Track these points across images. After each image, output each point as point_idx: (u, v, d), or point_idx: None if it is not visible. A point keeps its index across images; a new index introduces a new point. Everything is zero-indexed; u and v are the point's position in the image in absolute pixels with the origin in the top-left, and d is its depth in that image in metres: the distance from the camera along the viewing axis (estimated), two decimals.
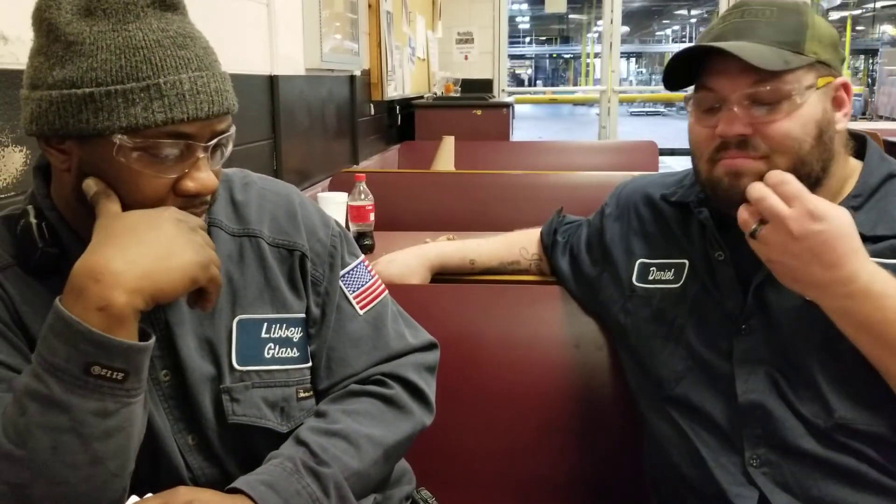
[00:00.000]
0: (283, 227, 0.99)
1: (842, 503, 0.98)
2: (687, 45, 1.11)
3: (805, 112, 0.98)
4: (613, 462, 1.33)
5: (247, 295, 0.95)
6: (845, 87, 1.03)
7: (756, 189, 0.92)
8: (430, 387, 1.03)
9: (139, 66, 0.77)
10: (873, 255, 0.95)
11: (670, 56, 1.04)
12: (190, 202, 0.83)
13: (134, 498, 0.81)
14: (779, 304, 1.04)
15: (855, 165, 1.08)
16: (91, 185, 0.81)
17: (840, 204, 0.98)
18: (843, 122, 1.03)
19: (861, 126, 5.21)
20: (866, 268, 0.91)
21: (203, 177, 0.83)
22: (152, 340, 0.78)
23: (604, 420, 1.33)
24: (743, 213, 0.94)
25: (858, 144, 1.10)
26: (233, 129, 0.87)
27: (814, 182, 1.00)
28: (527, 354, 1.37)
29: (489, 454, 1.34)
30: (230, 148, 0.88)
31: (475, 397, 1.35)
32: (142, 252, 0.76)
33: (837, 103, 1.02)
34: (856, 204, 1.02)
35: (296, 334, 0.97)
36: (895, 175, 1.05)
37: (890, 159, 1.08)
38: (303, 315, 0.98)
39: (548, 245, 1.42)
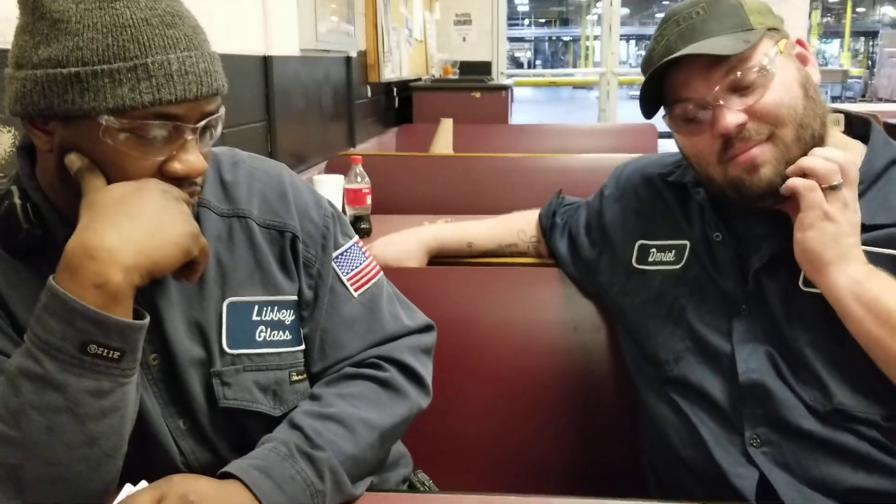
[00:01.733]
0: (274, 208, 0.97)
1: (842, 483, 0.97)
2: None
3: (783, 78, 0.99)
4: (611, 444, 1.32)
5: (236, 277, 0.93)
6: (800, 42, 1.05)
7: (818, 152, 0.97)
8: (426, 369, 1.02)
9: (126, 46, 0.76)
10: (868, 242, 0.97)
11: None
12: (178, 184, 0.82)
13: (128, 487, 0.80)
14: (777, 286, 1.03)
15: (853, 146, 1.07)
16: (74, 160, 0.79)
17: None
18: (816, 73, 1.05)
19: (861, 108, 5.19)
20: None
21: (191, 159, 0.81)
22: (147, 319, 0.78)
23: (601, 402, 1.33)
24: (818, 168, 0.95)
25: (862, 127, 1.09)
26: (222, 111, 0.85)
27: (818, 140, 1.01)
28: (524, 337, 1.36)
29: (486, 437, 1.34)
30: (219, 129, 0.86)
31: (472, 380, 1.34)
32: (135, 227, 0.76)
33: (801, 59, 1.04)
34: (859, 190, 1.00)
35: (288, 317, 0.96)
36: None
37: (893, 143, 1.07)
38: (295, 297, 0.97)
39: (546, 227, 1.41)
